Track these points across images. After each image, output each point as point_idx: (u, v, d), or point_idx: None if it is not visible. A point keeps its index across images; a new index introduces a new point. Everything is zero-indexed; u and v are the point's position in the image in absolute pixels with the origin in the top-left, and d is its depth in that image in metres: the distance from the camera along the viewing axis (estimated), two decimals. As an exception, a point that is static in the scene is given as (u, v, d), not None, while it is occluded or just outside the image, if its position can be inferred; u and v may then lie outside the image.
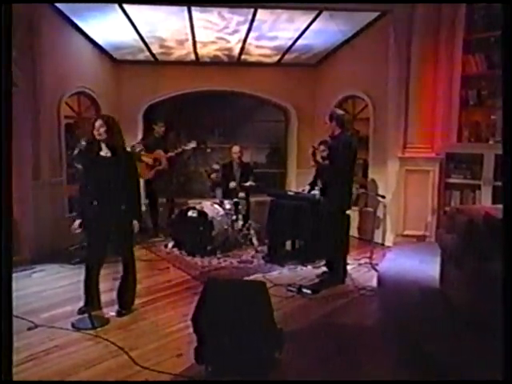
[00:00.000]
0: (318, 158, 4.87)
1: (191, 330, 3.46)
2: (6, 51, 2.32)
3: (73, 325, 3.58)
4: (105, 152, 3.71)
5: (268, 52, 7.16)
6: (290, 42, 6.71)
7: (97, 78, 6.83)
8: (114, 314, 3.82)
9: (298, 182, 7.67)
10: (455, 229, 3.66)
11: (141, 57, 7.23)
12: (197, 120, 7.95)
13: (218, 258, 5.60)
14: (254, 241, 6.14)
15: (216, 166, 7.20)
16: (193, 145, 6.49)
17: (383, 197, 5.68)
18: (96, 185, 3.70)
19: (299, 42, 6.69)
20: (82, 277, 4.71)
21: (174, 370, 2.92)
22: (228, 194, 6.56)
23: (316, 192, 5.74)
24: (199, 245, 5.71)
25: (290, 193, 5.75)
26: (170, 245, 6.01)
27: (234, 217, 6.22)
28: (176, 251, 5.89)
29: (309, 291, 4.43)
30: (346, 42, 6.81)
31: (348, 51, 6.93)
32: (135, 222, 3.71)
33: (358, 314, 3.99)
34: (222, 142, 8.08)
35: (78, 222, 3.75)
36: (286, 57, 7.36)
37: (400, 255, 5.28)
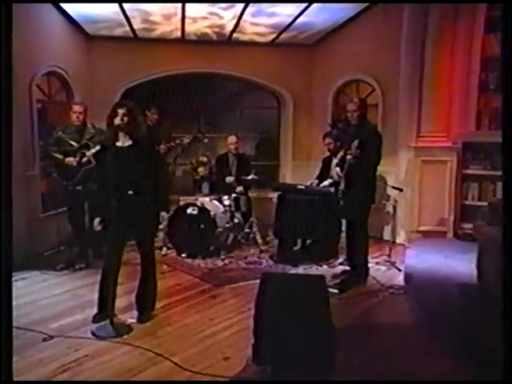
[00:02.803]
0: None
1: (227, 333, 3.76)
2: (6, 51, 2.47)
3: (93, 333, 3.68)
4: (122, 142, 3.82)
5: (263, 30, 7.36)
6: (290, 19, 6.94)
7: (68, 56, 6.79)
8: (133, 320, 3.94)
9: (295, 174, 7.96)
10: (501, 220, 4.02)
11: (118, 32, 7.25)
12: (180, 105, 8.04)
13: (223, 260, 5.77)
14: (259, 239, 6.37)
15: (203, 159, 7.33)
16: (188, 139, 6.52)
17: (401, 190, 5.98)
18: (116, 178, 3.76)
19: (299, 20, 6.94)
20: (75, 284, 4.92)
21: (227, 374, 3.11)
22: (219, 189, 6.72)
23: (326, 183, 6.05)
24: (200, 245, 5.86)
25: (300, 186, 5.97)
26: (165, 249, 6.07)
27: (231, 214, 6.38)
28: (171, 253, 6.00)
29: (336, 291, 4.71)
30: (352, 19, 7.09)
31: (353, 30, 7.21)
32: (164, 214, 3.89)
33: (396, 312, 4.34)
34: (208, 130, 8.20)
35: (98, 219, 3.88)
36: (283, 36, 7.57)
37: (422, 252, 5.66)
